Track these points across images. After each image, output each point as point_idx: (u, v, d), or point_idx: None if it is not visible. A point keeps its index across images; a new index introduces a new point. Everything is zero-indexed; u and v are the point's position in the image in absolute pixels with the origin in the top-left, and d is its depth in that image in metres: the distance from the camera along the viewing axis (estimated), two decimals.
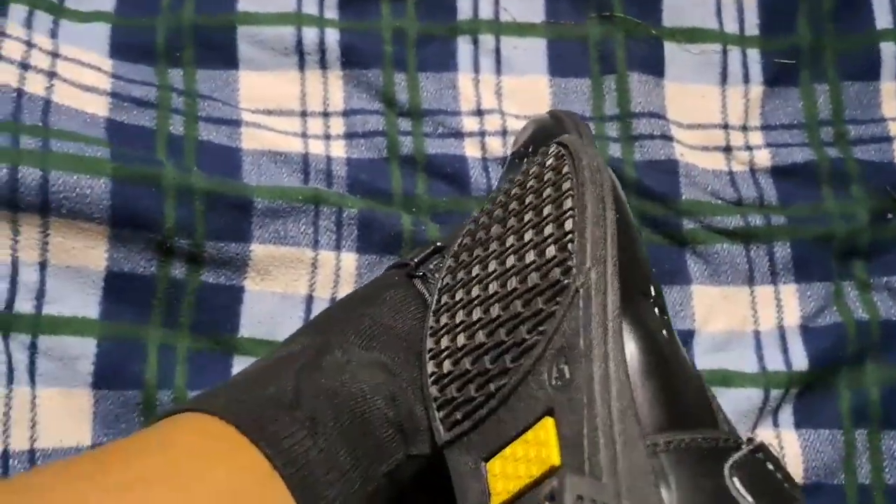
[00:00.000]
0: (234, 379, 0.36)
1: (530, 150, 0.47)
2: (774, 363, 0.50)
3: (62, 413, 0.44)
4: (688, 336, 0.51)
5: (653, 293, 0.35)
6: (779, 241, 0.52)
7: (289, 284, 0.50)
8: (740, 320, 0.52)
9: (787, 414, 0.50)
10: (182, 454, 0.29)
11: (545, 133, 0.47)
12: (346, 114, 0.54)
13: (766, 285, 0.52)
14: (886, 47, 0.54)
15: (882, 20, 0.55)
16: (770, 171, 0.53)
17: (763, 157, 0.54)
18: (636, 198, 0.52)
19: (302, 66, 0.54)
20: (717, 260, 0.52)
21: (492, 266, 0.36)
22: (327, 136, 0.53)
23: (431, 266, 0.42)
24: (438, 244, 0.43)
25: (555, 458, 0.28)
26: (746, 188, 0.53)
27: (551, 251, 0.33)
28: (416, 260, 0.42)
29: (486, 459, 0.32)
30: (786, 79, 0.55)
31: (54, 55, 0.49)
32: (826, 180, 0.53)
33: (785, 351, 0.51)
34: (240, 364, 0.49)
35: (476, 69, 0.55)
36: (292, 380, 0.34)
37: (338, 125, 0.54)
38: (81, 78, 0.49)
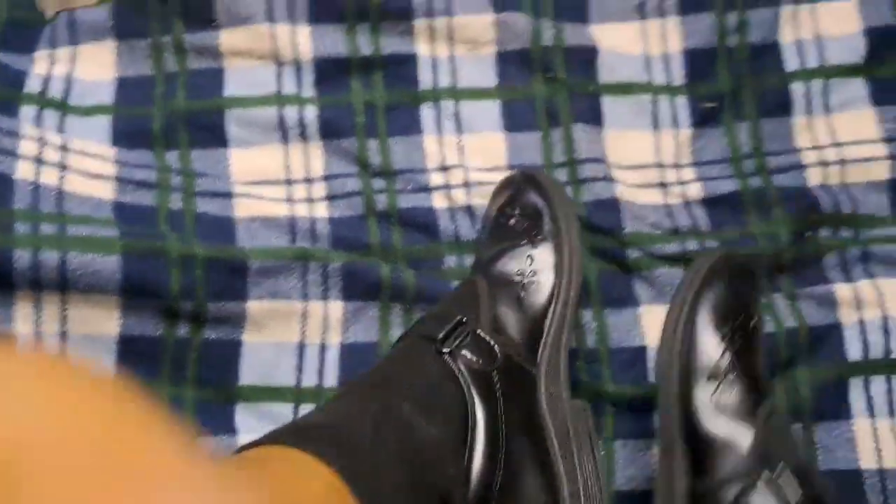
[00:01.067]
0: (311, 420, 0.38)
1: (516, 211, 0.52)
2: None
3: None
4: (640, 352, 0.54)
5: None
6: None
7: (282, 334, 0.53)
8: None
9: None
10: (300, 489, 0.31)
11: (521, 192, 0.52)
12: (327, 178, 0.58)
13: None
14: (796, 87, 0.58)
15: (791, 63, 0.59)
16: (702, 201, 0.57)
17: (695, 190, 0.57)
18: (587, 233, 0.56)
19: (285, 139, 0.58)
20: (661, 282, 0.55)
21: None
22: (310, 200, 0.57)
23: (457, 342, 0.44)
24: (461, 318, 0.46)
25: None
26: (682, 218, 0.57)
27: None
28: (440, 336, 0.44)
29: None
30: (711, 120, 0.59)
31: (64, 148, 0.53)
32: (751, 207, 0.57)
33: None
34: (241, 410, 0.52)
35: (439, 130, 0.59)
36: (369, 432, 0.36)
37: (319, 189, 0.57)
38: (89, 166, 0.53)
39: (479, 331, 0.45)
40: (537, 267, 0.49)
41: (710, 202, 0.57)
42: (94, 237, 0.49)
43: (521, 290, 0.48)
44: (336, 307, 0.54)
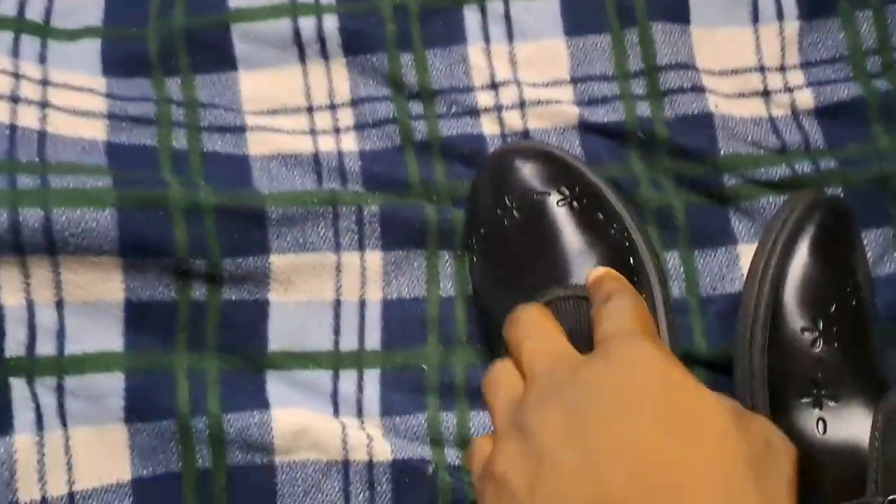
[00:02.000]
0: None
1: (568, 195, 0.42)
2: None
3: (98, 451, 0.41)
4: (738, 300, 0.45)
5: None
6: (830, 187, 0.45)
7: (314, 292, 0.45)
8: None
9: None
10: None
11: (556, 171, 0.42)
12: (354, 104, 0.48)
13: None
14: None
15: None
16: (814, 112, 0.47)
17: (805, 98, 0.47)
18: (670, 158, 0.46)
19: (303, 58, 0.48)
20: (764, 215, 0.46)
21: None
22: (336, 130, 0.48)
23: None
24: None
25: None
26: (790, 133, 0.46)
27: None
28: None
29: None
30: (823, 10, 0.47)
31: (44, 83, 0.44)
32: (876, 117, 0.46)
33: None
34: (273, 380, 0.45)
35: (486, 39, 0.49)
36: None
37: (346, 117, 0.48)
38: (75, 102, 0.45)
39: None
40: (636, 267, 0.40)
41: (824, 112, 0.46)
42: (83, 189, 0.41)
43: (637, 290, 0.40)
44: (374, 258, 0.46)
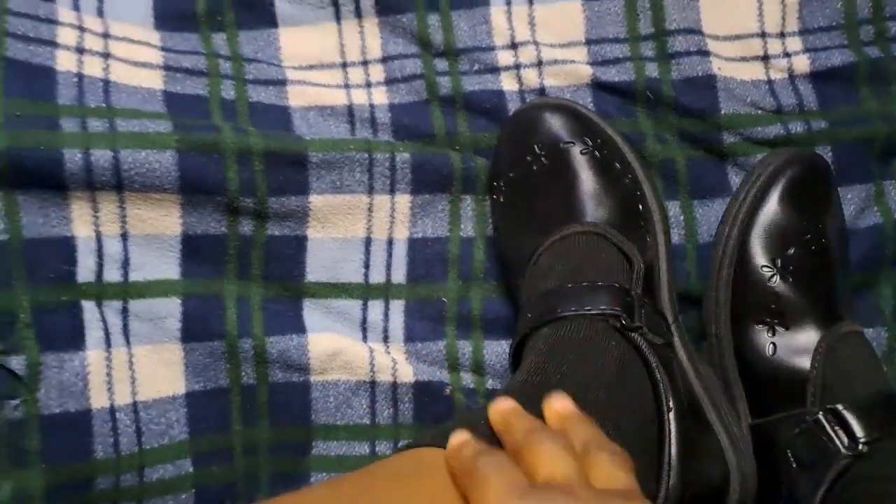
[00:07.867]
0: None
1: (590, 145, 0.47)
2: None
3: (157, 367, 0.48)
4: None
5: None
6: (819, 146, 0.50)
7: (348, 229, 0.51)
8: None
9: None
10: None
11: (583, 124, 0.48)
12: (385, 60, 0.53)
13: None
14: None
15: None
16: (809, 76, 0.51)
17: (802, 63, 0.51)
18: (675, 116, 0.51)
19: (338, 17, 0.53)
20: None
21: None
22: (368, 84, 0.53)
23: (642, 316, 0.41)
24: (625, 286, 0.42)
25: None
26: (786, 96, 0.51)
27: None
28: (621, 311, 0.40)
29: None
30: None
31: (105, 36, 0.50)
32: (865, 81, 0.51)
33: None
34: (309, 307, 0.51)
35: (508, 1, 0.53)
36: None
37: (377, 72, 0.53)
38: (134, 55, 0.50)
39: (646, 300, 0.42)
40: (644, 213, 0.46)
41: (818, 77, 0.51)
42: (147, 133, 0.46)
43: (643, 234, 0.45)
44: (403, 200, 0.51)
